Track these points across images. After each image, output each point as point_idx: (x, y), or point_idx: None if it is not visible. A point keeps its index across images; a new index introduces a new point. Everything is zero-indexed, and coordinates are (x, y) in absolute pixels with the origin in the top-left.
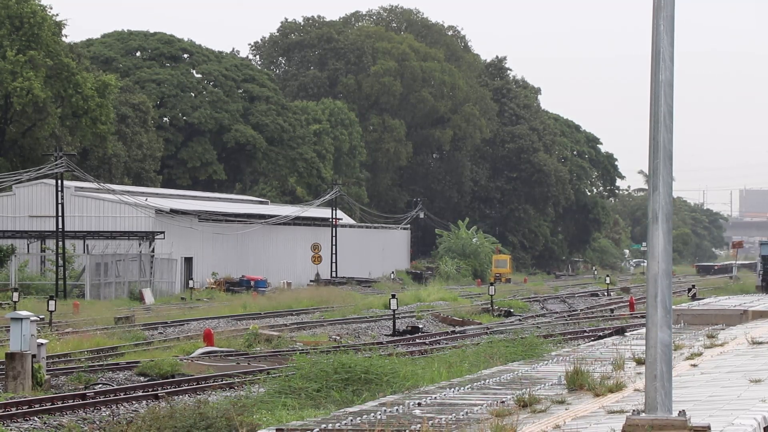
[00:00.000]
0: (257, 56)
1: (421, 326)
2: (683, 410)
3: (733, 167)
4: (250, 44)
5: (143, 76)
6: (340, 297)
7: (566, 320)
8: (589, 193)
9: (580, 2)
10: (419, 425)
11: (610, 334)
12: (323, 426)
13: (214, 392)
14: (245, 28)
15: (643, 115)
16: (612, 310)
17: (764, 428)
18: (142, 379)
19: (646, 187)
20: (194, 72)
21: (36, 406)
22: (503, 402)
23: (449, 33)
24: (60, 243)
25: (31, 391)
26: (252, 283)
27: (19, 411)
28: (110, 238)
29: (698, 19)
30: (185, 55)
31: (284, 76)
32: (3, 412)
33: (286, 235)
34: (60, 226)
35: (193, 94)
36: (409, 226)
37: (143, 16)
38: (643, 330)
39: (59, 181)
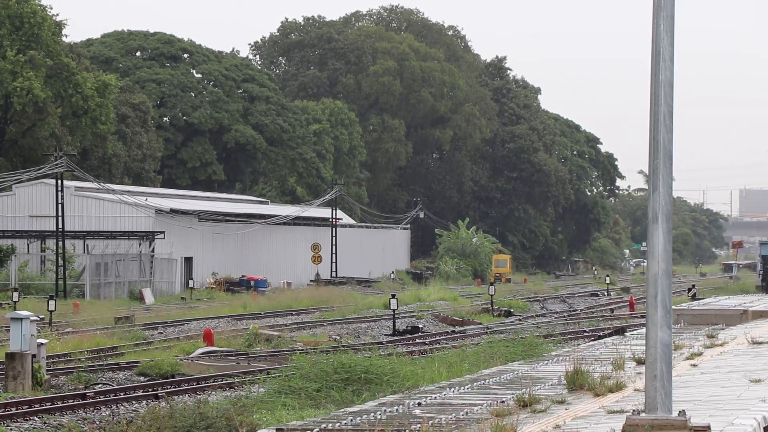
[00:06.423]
0: (257, 56)
1: (421, 326)
2: (683, 410)
3: (733, 167)
4: (250, 44)
5: (143, 76)
6: (340, 297)
7: (566, 320)
8: (589, 193)
9: (580, 2)
10: (419, 425)
11: (610, 334)
12: (323, 426)
13: (214, 392)
14: (245, 28)
15: (643, 115)
16: (612, 310)
17: (764, 428)
18: (142, 379)
19: (646, 187)
20: (194, 72)
21: (36, 406)
22: (503, 402)
23: (449, 33)
24: (60, 243)
25: (31, 391)
26: (252, 283)
27: (19, 411)
28: (110, 238)
29: (698, 20)
30: (185, 55)
31: (284, 76)
32: (3, 412)
33: (286, 235)
34: (60, 226)
35: (193, 94)
36: (409, 226)
37: (143, 16)
38: (643, 330)
39: (59, 181)
